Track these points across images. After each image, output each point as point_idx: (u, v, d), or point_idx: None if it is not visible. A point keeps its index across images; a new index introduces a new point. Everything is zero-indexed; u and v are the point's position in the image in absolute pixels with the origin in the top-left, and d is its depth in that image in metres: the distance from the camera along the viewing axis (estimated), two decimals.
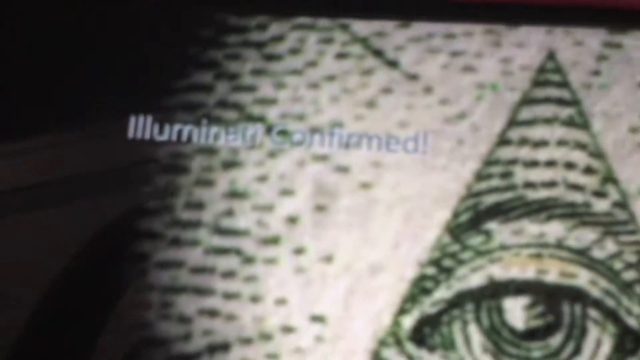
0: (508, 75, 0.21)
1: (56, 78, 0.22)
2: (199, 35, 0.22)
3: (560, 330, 0.20)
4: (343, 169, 0.21)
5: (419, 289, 0.20)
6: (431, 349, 0.20)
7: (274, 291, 0.20)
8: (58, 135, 0.22)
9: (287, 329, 0.20)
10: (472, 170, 0.21)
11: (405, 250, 0.20)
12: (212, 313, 0.20)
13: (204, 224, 0.21)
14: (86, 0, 0.23)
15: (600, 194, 0.20)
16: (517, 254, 0.20)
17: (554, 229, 0.20)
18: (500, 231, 0.20)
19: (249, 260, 0.20)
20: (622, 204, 0.20)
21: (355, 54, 0.22)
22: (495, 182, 0.21)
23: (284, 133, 0.21)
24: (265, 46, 0.22)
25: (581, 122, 0.21)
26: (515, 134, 0.21)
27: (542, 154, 0.21)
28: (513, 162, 0.21)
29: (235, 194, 0.21)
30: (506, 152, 0.21)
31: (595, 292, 0.20)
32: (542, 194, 0.21)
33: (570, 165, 0.21)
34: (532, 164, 0.21)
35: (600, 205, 0.20)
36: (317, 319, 0.20)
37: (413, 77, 0.21)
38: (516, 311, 0.20)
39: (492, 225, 0.20)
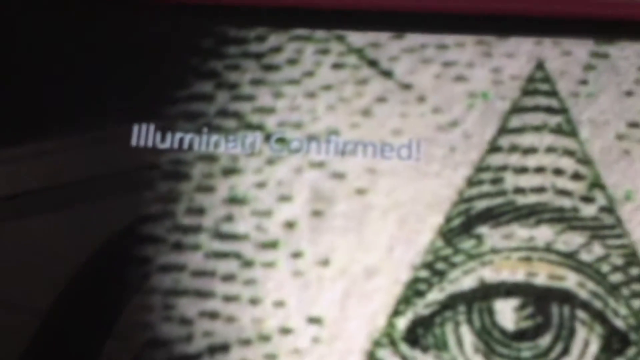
0: (498, 84, 0.21)
1: (62, 87, 0.22)
2: (200, 47, 0.22)
3: (550, 331, 0.20)
4: (339, 176, 0.21)
5: (413, 291, 0.20)
6: (424, 349, 0.20)
7: (273, 294, 0.20)
8: (64, 141, 0.21)
9: (285, 331, 0.20)
10: (463, 176, 0.21)
11: (399, 254, 0.20)
12: (213, 315, 0.20)
13: (204, 228, 0.21)
14: (92, 14, 0.22)
15: (587, 199, 0.21)
16: (508, 257, 0.20)
17: (543, 233, 0.20)
18: (491, 235, 0.20)
19: (248, 263, 0.20)
20: (609, 209, 0.21)
21: (351, 64, 0.22)
22: (486, 188, 0.21)
23: (282, 141, 0.21)
24: (264, 57, 0.22)
25: (569, 130, 0.21)
26: (505, 141, 0.21)
27: (532, 161, 0.21)
28: (503, 168, 0.21)
29: (234, 200, 0.21)
30: (497, 159, 0.21)
31: (583, 294, 0.20)
32: (532, 199, 0.21)
33: (558, 172, 0.21)
34: (522, 170, 0.21)
35: (588, 210, 0.21)
36: (314, 320, 0.20)
37: (407, 87, 0.21)
38: (506, 312, 0.20)
39: (483, 230, 0.20)
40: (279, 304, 0.20)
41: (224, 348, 0.20)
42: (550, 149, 0.21)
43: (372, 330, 0.20)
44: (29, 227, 0.21)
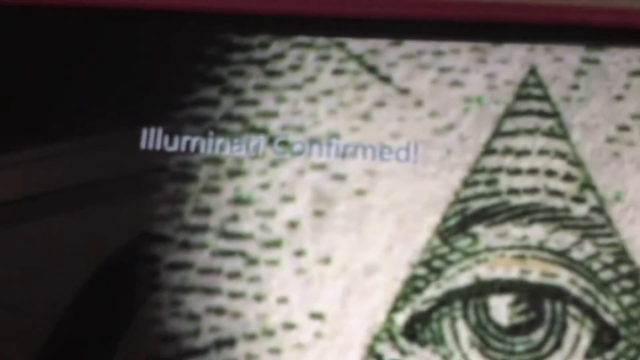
0: (493, 89, 0.22)
1: (76, 93, 0.22)
2: (206, 54, 0.22)
3: (542, 326, 0.20)
4: (340, 177, 0.21)
5: (411, 288, 0.20)
6: (422, 344, 0.20)
7: (276, 290, 0.20)
8: (76, 145, 0.22)
9: (289, 326, 0.20)
10: (459, 177, 0.21)
11: (398, 252, 0.20)
12: (219, 311, 0.20)
13: (211, 228, 0.21)
14: (105, 26, 0.22)
15: (579, 200, 0.21)
16: (502, 255, 0.20)
17: (536, 232, 0.20)
18: (486, 234, 0.21)
19: (252, 262, 0.21)
20: (599, 209, 0.21)
21: (351, 70, 0.22)
22: (481, 189, 0.21)
23: (284, 144, 0.21)
24: (267, 63, 0.22)
25: (561, 133, 0.21)
26: (499, 144, 0.21)
27: (525, 163, 0.21)
28: (498, 170, 0.21)
29: (239, 201, 0.21)
30: (491, 161, 0.21)
31: (574, 291, 0.20)
32: (525, 199, 0.21)
33: (551, 173, 0.21)
34: (516, 171, 0.21)
35: (579, 210, 0.21)
36: (316, 316, 0.20)
37: (405, 92, 0.22)
38: (501, 308, 0.20)
39: (478, 229, 0.21)
40: (283, 300, 0.20)
41: (230, 342, 0.20)
42: (542, 152, 0.21)
43: (372, 325, 0.20)
44: (41, 229, 0.21)
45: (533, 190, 0.21)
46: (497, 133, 0.21)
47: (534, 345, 0.20)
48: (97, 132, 0.22)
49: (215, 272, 0.21)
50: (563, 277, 0.20)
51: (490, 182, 0.21)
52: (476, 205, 0.21)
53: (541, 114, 0.21)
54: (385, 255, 0.20)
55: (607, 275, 0.20)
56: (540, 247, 0.20)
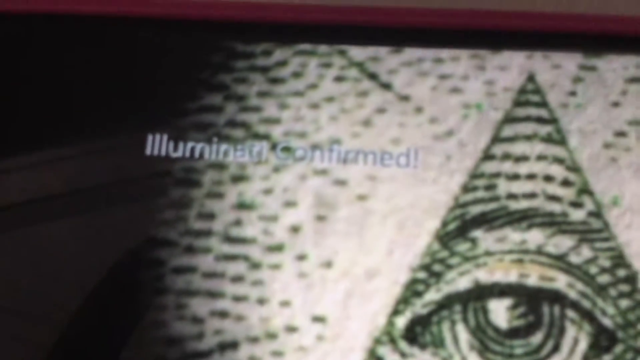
0: (492, 96, 0.22)
1: (82, 99, 0.22)
2: (210, 61, 0.22)
3: (541, 329, 0.20)
4: (341, 183, 0.21)
5: (411, 291, 0.20)
6: (422, 346, 0.20)
7: (279, 294, 0.20)
8: (82, 151, 0.22)
9: (291, 329, 0.20)
10: (459, 183, 0.21)
11: (398, 257, 0.21)
12: (223, 314, 0.20)
13: (214, 232, 0.21)
14: (113, 34, 0.23)
15: (576, 205, 0.21)
16: (501, 259, 0.20)
17: (534, 237, 0.21)
18: (485, 238, 0.21)
19: (255, 266, 0.21)
20: (596, 214, 0.21)
21: (352, 77, 0.22)
22: (480, 194, 0.21)
23: (287, 149, 0.21)
24: (270, 70, 0.22)
25: (559, 139, 0.21)
26: (498, 149, 0.21)
27: (523, 168, 0.21)
28: (496, 175, 0.21)
29: (243, 206, 0.21)
30: (490, 167, 0.21)
31: (572, 294, 0.20)
32: (523, 204, 0.21)
33: (549, 178, 0.21)
34: (514, 177, 0.21)
35: (577, 215, 0.21)
36: (318, 319, 0.20)
37: (405, 98, 0.22)
38: (500, 312, 0.20)
39: (477, 233, 0.21)
40: (285, 303, 0.20)
41: (234, 345, 0.20)
42: (540, 157, 0.21)
43: (373, 328, 0.20)
44: (46, 233, 0.21)
45: (531, 195, 0.21)
46: (496, 139, 0.21)
47: (532, 348, 0.20)
48: (103, 137, 0.22)
49: (219, 276, 0.21)
50: (561, 281, 0.20)
51: (489, 187, 0.21)
52: (475, 210, 0.21)
53: (539, 120, 0.22)
54: (386, 259, 0.21)
55: (604, 279, 0.20)
56: (539, 251, 0.21)
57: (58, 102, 0.22)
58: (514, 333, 0.20)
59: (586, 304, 0.20)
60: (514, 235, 0.21)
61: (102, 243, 0.21)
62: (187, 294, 0.20)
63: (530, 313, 0.20)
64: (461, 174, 0.21)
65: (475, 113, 0.22)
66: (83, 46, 0.23)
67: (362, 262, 0.21)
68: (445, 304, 0.20)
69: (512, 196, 0.21)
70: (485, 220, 0.21)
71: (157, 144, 0.21)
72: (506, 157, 0.21)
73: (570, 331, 0.20)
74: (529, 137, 0.21)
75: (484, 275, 0.20)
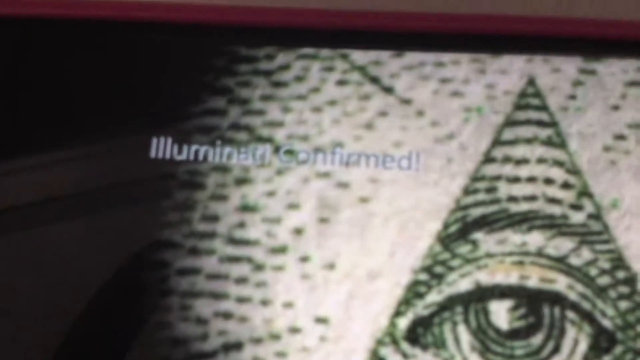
0: (492, 99, 0.22)
1: (87, 102, 0.22)
2: (214, 65, 0.22)
3: (541, 331, 0.20)
4: (344, 185, 0.21)
5: (413, 293, 0.20)
6: (424, 347, 0.20)
7: (282, 295, 0.20)
8: (87, 153, 0.22)
9: (294, 330, 0.20)
10: (460, 185, 0.21)
11: (400, 258, 0.21)
12: (227, 315, 0.20)
13: (218, 234, 0.21)
14: (119, 38, 0.23)
15: (576, 207, 0.21)
16: (502, 261, 0.21)
17: (535, 239, 0.21)
18: (486, 241, 0.21)
19: (259, 267, 0.21)
20: (596, 216, 0.21)
21: (354, 81, 0.22)
22: (481, 197, 0.21)
23: (290, 152, 0.22)
24: (273, 74, 0.22)
25: (559, 142, 0.21)
26: (499, 152, 0.21)
27: (524, 171, 0.21)
28: (497, 178, 0.21)
29: (246, 208, 0.21)
30: (491, 169, 0.21)
31: (572, 296, 0.20)
32: (524, 207, 0.21)
33: (549, 181, 0.21)
34: (515, 180, 0.21)
35: (577, 217, 0.21)
36: (321, 320, 0.20)
37: (406, 102, 0.22)
38: (501, 313, 0.20)
39: (478, 236, 0.21)
40: (288, 305, 0.20)
41: (237, 346, 0.20)
42: (541, 160, 0.21)
43: (375, 329, 0.20)
44: (51, 235, 0.21)
45: (532, 198, 0.21)
46: (497, 142, 0.21)
47: (533, 349, 0.20)
48: (108, 140, 0.22)
49: (223, 277, 0.21)
50: (561, 283, 0.20)
51: (490, 189, 0.21)
52: (476, 212, 0.21)
53: (539, 123, 0.22)
54: (388, 261, 0.21)
55: (604, 280, 0.20)
56: (539, 253, 0.21)
57: (63, 106, 0.22)
58: (514, 334, 0.20)
59: (586, 305, 0.20)
60: (514, 238, 0.21)
61: (106, 245, 0.21)
62: (192, 296, 0.21)
63: (531, 314, 0.20)
64: (462, 177, 0.21)
65: (476, 116, 0.22)
66: (91, 51, 0.23)
67: (365, 264, 0.21)
68: (446, 305, 0.20)
69: (512, 199, 0.21)
70: (486, 223, 0.21)
71: (162, 147, 0.22)
72: (507, 160, 0.21)
73: (571, 332, 0.20)
74: (529, 140, 0.21)
75: (485, 277, 0.21)
